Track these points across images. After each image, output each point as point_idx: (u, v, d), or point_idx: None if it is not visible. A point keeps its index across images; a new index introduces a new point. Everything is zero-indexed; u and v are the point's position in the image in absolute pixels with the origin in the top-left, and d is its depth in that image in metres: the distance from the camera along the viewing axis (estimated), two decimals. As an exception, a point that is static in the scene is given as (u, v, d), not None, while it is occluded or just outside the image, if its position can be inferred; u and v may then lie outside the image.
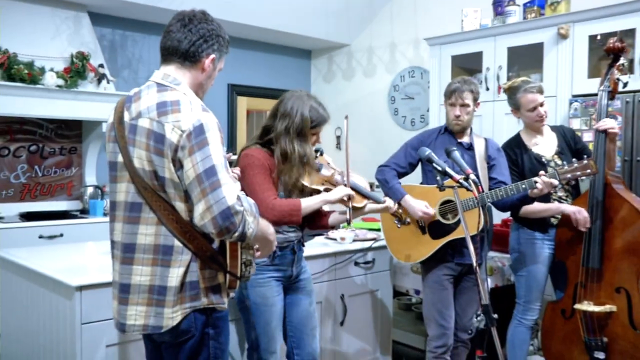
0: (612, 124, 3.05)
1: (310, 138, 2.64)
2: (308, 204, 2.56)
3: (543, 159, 3.26)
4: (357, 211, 2.71)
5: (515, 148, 3.31)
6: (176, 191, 1.83)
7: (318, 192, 2.65)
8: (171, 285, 1.85)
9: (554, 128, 3.40)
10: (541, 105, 3.23)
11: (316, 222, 2.84)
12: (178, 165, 1.80)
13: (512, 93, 3.30)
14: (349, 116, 2.97)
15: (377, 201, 2.73)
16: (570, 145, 3.32)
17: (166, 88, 1.91)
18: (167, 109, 1.83)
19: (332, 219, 2.82)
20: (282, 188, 2.63)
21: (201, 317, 1.91)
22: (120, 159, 1.91)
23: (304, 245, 2.85)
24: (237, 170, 2.31)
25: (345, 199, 2.61)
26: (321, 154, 2.77)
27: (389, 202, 2.77)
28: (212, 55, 1.97)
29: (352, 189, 2.68)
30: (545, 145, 3.31)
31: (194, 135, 1.77)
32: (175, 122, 1.80)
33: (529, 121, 3.29)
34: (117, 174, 1.93)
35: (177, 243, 1.85)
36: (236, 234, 1.76)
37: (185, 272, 1.86)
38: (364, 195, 2.71)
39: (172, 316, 1.86)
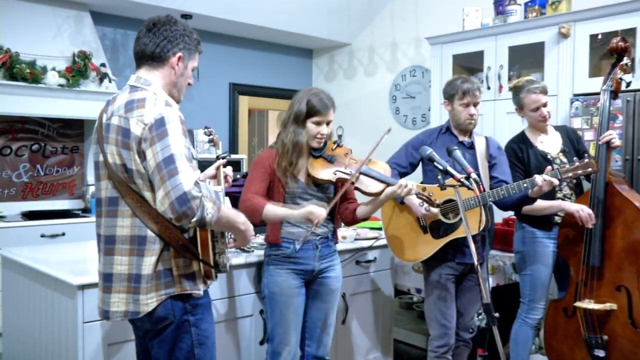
0: (615, 135, 3.09)
1: (308, 127, 2.69)
2: (271, 210, 2.61)
3: (549, 156, 3.26)
4: (375, 198, 2.73)
5: (520, 144, 3.31)
6: (143, 182, 1.94)
7: (331, 182, 2.72)
8: (145, 273, 1.96)
9: (557, 128, 3.41)
10: (544, 105, 3.24)
11: (347, 218, 2.88)
12: (142, 156, 1.92)
13: (516, 92, 3.32)
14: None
15: (392, 184, 2.69)
16: (574, 145, 3.33)
17: (137, 89, 2.04)
18: (133, 106, 1.96)
19: (359, 211, 2.84)
20: (288, 181, 2.68)
21: (177, 304, 2.01)
22: (101, 158, 2.04)
23: (335, 242, 2.88)
24: (228, 170, 2.46)
25: (312, 219, 2.57)
26: (339, 146, 2.82)
27: (402, 181, 2.66)
28: (179, 54, 2.08)
29: (365, 174, 2.70)
30: (550, 143, 3.32)
31: (155, 128, 1.89)
32: (139, 116, 1.93)
33: (532, 121, 3.31)
34: (99, 172, 2.06)
35: (149, 233, 1.96)
36: (194, 219, 1.84)
37: (157, 261, 1.96)
38: (379, 180, 2.71)
39: (147, 302, 1.96)
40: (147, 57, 2.06)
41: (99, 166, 2.05)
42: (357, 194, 2.90)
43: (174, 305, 2.01)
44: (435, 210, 2.95)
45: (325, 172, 2.71)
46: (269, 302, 2.75)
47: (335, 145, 2.82)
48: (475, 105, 3.11)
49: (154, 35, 2.05)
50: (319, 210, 2.58)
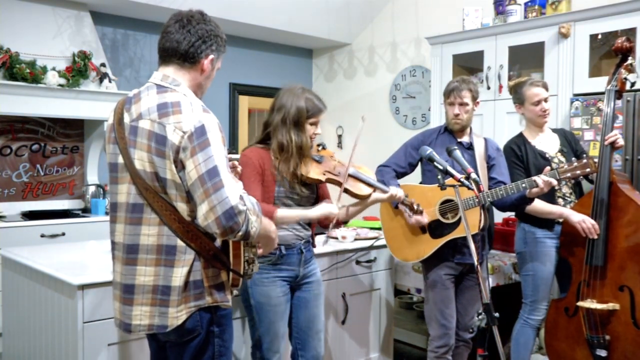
0: (619, 136, 3.10)
1: (306, 128, 2.64)
2: (283, 214, 2.55)
3: (547, 155, 3.27)
4: (362, 201, 2.75)
5: (519, 144, 3.32)
6: (178, 192, 1.84)
7: (320, 181, 2.69)
8: (175, 284, 1.86)
9: (555, 130, 3.42)
10: (545, 100, 3.26)
11: (325, 221, 2.83)
12: (180, 166, 1.81)
13: (518, 87, 3.35)
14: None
15: (382, 190, 2.73)
16: (572, 146, 3.34)
17: (166, 89, 1.91)
18: (168, 110, 1.83)
19: (341, 215, 2.81)
20: (280, 181, 2.62)
21: (206, 316, 1.92)
22: (120, 160, 1.91)
23: (314, 246, 2.85)
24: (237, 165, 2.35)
25: (331, 217, 2.60)
26: (324, 148, 2.79)
27: (394, 190, 2.75)
28: (211, 56, 1.97)
29: (354, 177, 2.70)
30: (548, 143, 3.33)
31: (196, 137, 1.78)
32: (176, 123, 1.80)
33: (533, 116, 3.30)
34: (117, 175, 1.94)
35: (180, 243, 1.86)
36: (240, 233, 1.77)
37: (189, 272, 1.87)
38: (368, 184, 2.73)
39: (177, 315, 1.87)
40: (178, 56, 1.92)
41: (117, 168, 1.93)
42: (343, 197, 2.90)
43: (203, 317, 1.91)
44: (418, 218, 3.02)
45: (315, 172, 2.67)
46: (257, 312, 2.67)
47: (320, 148, 2.79)
48: (461, 105, 3.11)
49: (189, 33, 1.91)
50: (335, 208, 2.60)
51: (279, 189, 2.63)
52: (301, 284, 2.76)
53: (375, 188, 2.73)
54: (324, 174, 2.68)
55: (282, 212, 2.55)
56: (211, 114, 1.88)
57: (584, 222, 3.05)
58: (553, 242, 3.25)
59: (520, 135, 3.37)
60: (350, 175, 2.71)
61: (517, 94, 3.34)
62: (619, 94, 3.16)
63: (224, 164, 1.80)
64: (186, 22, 1.93)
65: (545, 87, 3.29)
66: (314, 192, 2.78)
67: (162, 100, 1.87)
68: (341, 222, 2.85)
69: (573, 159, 2.98)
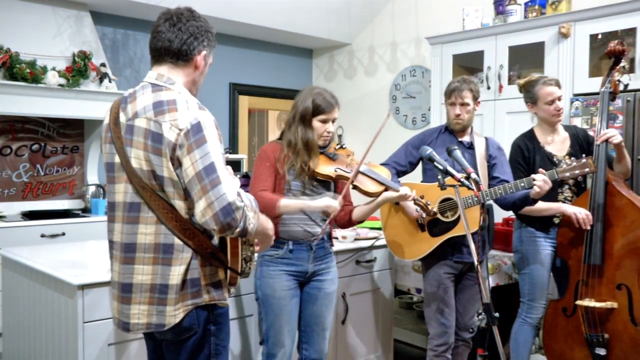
0: (612, 133, 3.07)
1: (315, 126, 2.69)
2: (286, 203, 2.61)
3: (555, 159, 3.26)
4: (372, 199, 2.76)
5: (528, 144, 3.30)
6: (175, 190, 1.84)
7: (330, 177, 2.71)
8: (172, 283, 1.86)
9: (567, 128, 3.40)
10: (559, 99, 3.23)
11: (342, 220, 2.91)
12: (177, 164, 1.81)
13: (529, 86, 3.30)
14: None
15: (393, 189, 2.71)
16: (583, 147, 3.31)
17: (161, 88, 1.92)
18: (164, 108, 1.84)
19: (355, 213, 2.87)
20: (293, 175, 2.68)
21: (203, 314, 1.92)
22: (117, 159, 1.92)
23: (331, 245, 2.88)
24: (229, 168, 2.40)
25: (328, 209, 2.62)
26: (342, 147, 2.84)
27: (405, 190, 2.72)
28: (204, 52, 1.98)
29: (365, 175, 2.71)
30: (558, 145, 3.31)
31: (192, 134, 1.79)
32: (172, 120, 1.81)
33: (546, 115, 3.26)
34: (114, 174, 1.94)
35: (177, 241, 1.86)
36: (238, 230, 1.77)
37: (187, 270, 1.87)
38: (379, 183, 2.72)
39: (175, 314, 1.87)
40: (172, 54, 1.93)
41: (114, 168, 1.93)
42: (354, 196, 2.91)
43: (200, 315, 1.91)
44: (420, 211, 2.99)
45: (326, 168, 2.71)
46: (263, 304, 2.73)
47: (338, 146, 2.84)
48: (462, 105, 3.11)
49: (180, 30, 1.91)
50: (335, 203, 2.61)
51: (295, 183, 2.69)
52: (311, 280, 2.79)
53: (386, 187, 2.72)
54: (335, 171, 2.72)
55: (285, 201, 2.61)
56: (207, 111, 1.88)
57: (579, 212, 3.07)
58: (549, 243, 3.26)
59: (532, 134, 3.34)
60: (360, 173, 2.72)
61: (529, 93, 3.29)
62: (613, 96, 3.18)
63: (221, 161, 1.80)
64: (176, 20, 1.92)
65: (558, 85, 3.25)
66: (330, 191, 2.80)
67: (157, 98, 1.87)
68: (355, 222, 2.89)
69: (572, 158, 2.98)
